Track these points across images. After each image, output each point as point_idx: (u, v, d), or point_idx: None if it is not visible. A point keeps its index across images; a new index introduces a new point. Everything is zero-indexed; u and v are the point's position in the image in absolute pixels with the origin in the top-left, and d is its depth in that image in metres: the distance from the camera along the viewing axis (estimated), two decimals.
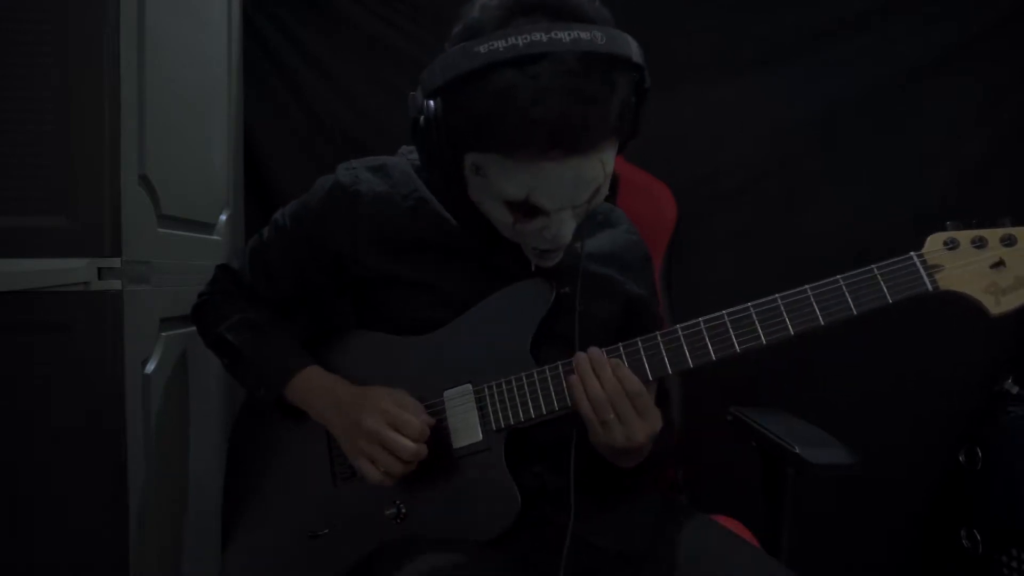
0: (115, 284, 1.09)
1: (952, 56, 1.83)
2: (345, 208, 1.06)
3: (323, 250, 1.09)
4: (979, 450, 1.76)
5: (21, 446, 1.07)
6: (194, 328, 1.35)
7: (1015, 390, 1.76)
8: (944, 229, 0.89)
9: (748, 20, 1.84)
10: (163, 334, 1.26)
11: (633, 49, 0.88)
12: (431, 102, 0.88)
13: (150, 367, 1.21)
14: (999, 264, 0.86)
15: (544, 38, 0.82)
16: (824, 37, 1.84)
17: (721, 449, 1.60)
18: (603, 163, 0.91)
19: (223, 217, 1.57)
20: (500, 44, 0.83)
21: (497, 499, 0.97)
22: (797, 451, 1.14)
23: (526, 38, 0.82)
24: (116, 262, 1.09)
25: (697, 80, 1.82)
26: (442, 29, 1.88)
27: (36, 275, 1.05)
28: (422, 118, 0.90)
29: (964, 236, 0.88)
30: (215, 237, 1.53)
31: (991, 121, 1.84)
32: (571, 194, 0.91)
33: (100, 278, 1.08)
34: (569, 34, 0.83)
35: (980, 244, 0.87)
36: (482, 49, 0.83)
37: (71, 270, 1.06)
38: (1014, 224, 0.87)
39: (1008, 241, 0.87)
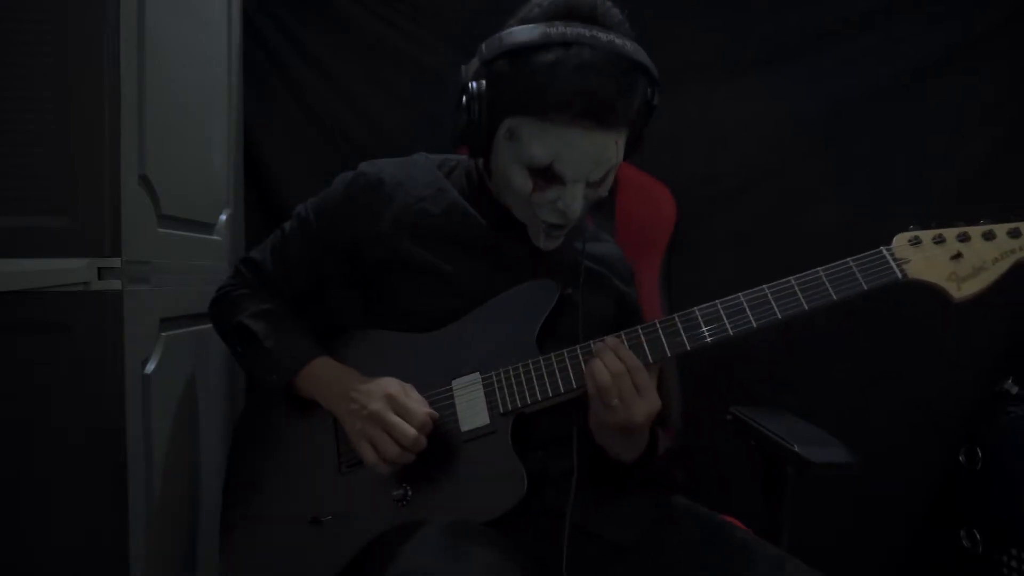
0: (115, 284, 1.10)
1: (956, 56, 1.82)
2: (369, 192, 1.13)
3: (345, 236, 1.13)
4: (979, 450, 1.76)
5: (21, 446, 1.07)
6: (195, 328, 1.35)
7: (1015, 390, 1.76)
8: (907, 230, 1.01)
9: (751, 20, 1.84)
10: (163, 334, 1.26)
11: (651, 66, 1.02)
12: (484, 69, 1.01)
13: (150, 367, 1.21)
14: (958, 256, 0.98)
15: (587, 33, 0.98)
16: (827, 37, 1.83)
17: (721, 449, 1.60)
18: (617, 146, 1.02)
19: (223, 217, 1.57)
20: (553, 31, 0.98)
21: (503, 479, 0.99)
22: (797, 450, 1.14)
23: (573, 31, 0.98)
24: (116, 262, 1.09)
25: (699, 80, 1.82)
26: (442, 29, 1.89)
27: (36, 275, 1.05)
28: (472, 84, 1.02)
29: (926, 235, 1.00)
30: (215, 237, 1.53)
31: (996, 121, 1.84)
32: (589, 167, 1.01)
33: (100, 278, 1.08)
34: (606, 36, 0.98)
35: (940, 240, 0.99)
36: (538, 30, 0.98)
37: (71, 270, 1.07)
38: (966, 223, 1.00)
39: (963, 237, 0.99)
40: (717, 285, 1.77)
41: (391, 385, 1.03)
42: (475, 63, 1.04)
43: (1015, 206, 1.03)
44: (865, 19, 1.83)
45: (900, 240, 1.00)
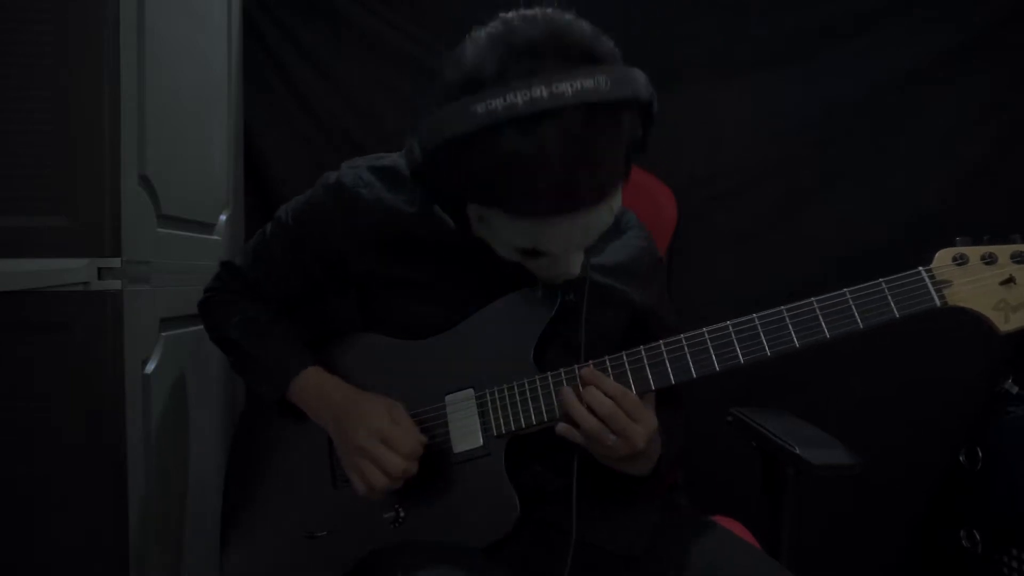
0: (115, 284, 1.09)
1: (952, 58, 1.82)
2: (346, 209, 1.07)
3: (323, 248, 1.09)
4: (979, 450, 1.76)
5: (21, 446, 1.07)
6: (195, 328, 1.35)
7: (1015, 390, 1.76)
8: (953, 244, 0.88)
9: (747, 22, 1.84)
10: (163, 334, 1.26)
11: (640, 86, 0.82)
12: (429, 159, 0.85)
13: (150, 367, 1.21)
14: (1009, 281, 0.85)
15: (545, 94, 0.76)
16: (823, 39, 1.83)
17: (721, 449, 1.60)
18: (611, 208, 0.89)
19: (223, 217, 1.57)
20: (498, 104, 0.76)
21: (496, 506, 0.97)
22: (797, 451, 1.14)
23: (526, 95, 0.76)
24: (116, 262, 1.09)
25: (696, 81, 1.82)
26: (442, 29, 1.89)
27: (36, 275, 1.05)
28: (421, 169, 0.87)
29: (973, 252, 0.86)
30: (215, 237, 1.53)
31: (991, 123, 1.84)
32: (580, 240, 0.90)
33: (100, 278, 1.08)
34: (571, 85, 0.76)
35: (990, 260, 0.86)
36: (479, 109, 0.77)
37: (71, 270, 1.06)
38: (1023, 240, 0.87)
39: (1019, 258, 0.85)
40: (717, 285, 1.78)
41: (377, 414, 0.98)
42: (415, 148, 0.86)
43: None
44: (860, 21, 1.83)
45: (943, 258, 0.87)
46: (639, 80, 0.82)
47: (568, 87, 0.76)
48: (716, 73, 1.84)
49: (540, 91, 0.76)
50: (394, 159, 1.11)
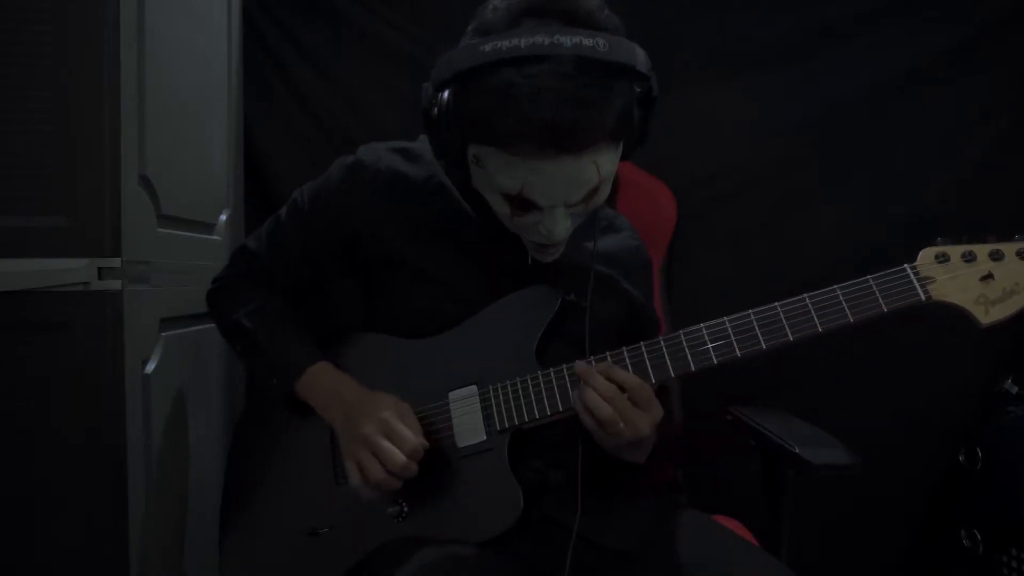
0: (115, 284, 1.10)
1: (952, 58, 1.83)
2: (366, 184, 1.08)
3: (340, 228, 1.10)
4: (979, 450, 1.76)
5: (20, 446, 1.07)
6: (195, 328, 1.35)
7: (1015, 390, 1.76)
8: (935, 244, 0.92)
9: (746, 22, 1.84)
10: (163, 334, 1.26)
11: (638, 58, 0.90)
12: (439, 94, 0.93)
13: (150, 367, 1.21)
14: (988, 277, 0.90)
15: (546, 42, 0.85)
16: (823, 39, 1.84)
17: (721, 449, 1.60)
18: (597, 165, 0.93)
19: (223, 217, 1.57)
20: (504, 44, 0.86)
21: (499, 499, 0.98)
22: (797, 451, 1.14)
23: (529, 40, 0.86)
24: (116, 262, 1.09)
25: (695, 82, 1.82)
26: (442, 29, 1.89)
27: (36, 275, 1.05)
28: (432, 109, 0.94)
29: (954, 251, 0.91)
30: (215, 237, 1.53)
31: (991, 123, 1.84)
32: (563, 192, 0.93)
33: (100, 278, 1.08)
34: (571, 39, 0.86)
35: (970, 258, 0.91)
36: (486, 48, 0.87)
37: (71, 270, 1.07)
38: (999, 240, 0.91)
39: (996, 255, 0.90)
40: (717, 285, 1.78)
41: (385, 407, 1.00)
42: (428, 88, 0.95)
43: None
44: (860, 22, 1.83)
45: (926, 256, 0.92)
46: (637, 54, 0.90)
47: (568, 40, 0.85)
48: (716, 73, 1.84)
49: (542, 39, 0.85)
50: (410, 143, 1.14)
